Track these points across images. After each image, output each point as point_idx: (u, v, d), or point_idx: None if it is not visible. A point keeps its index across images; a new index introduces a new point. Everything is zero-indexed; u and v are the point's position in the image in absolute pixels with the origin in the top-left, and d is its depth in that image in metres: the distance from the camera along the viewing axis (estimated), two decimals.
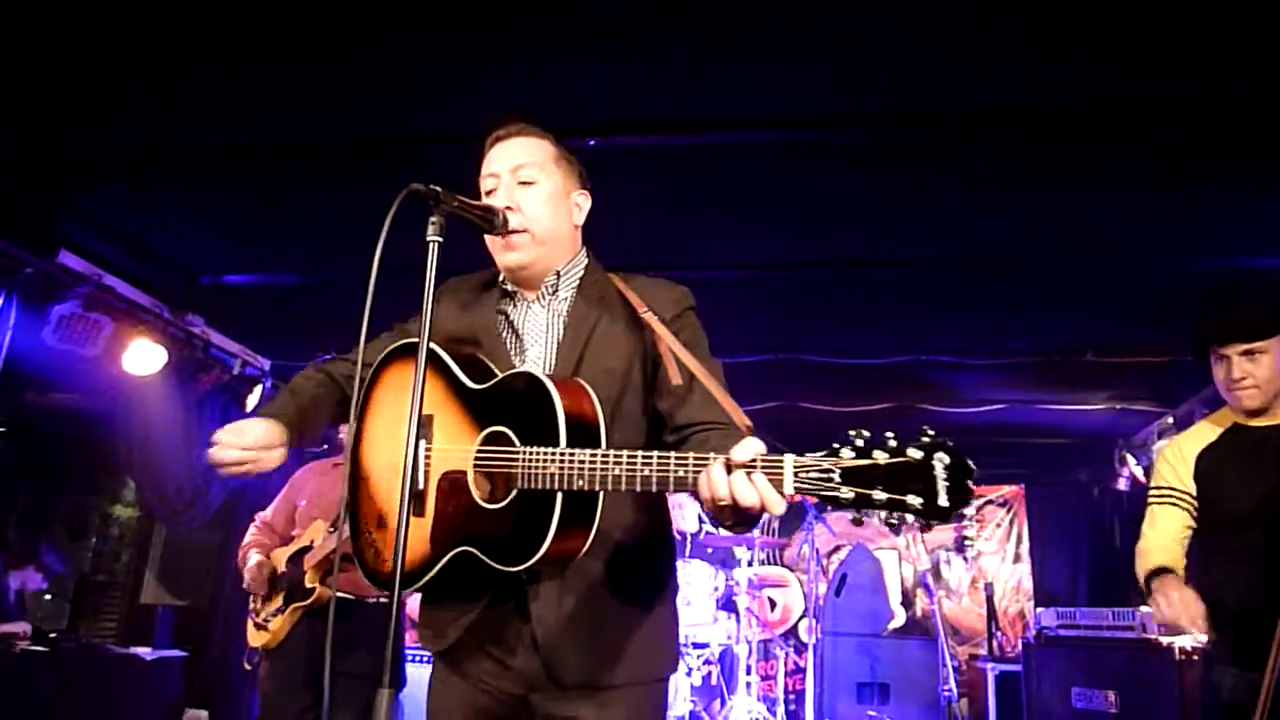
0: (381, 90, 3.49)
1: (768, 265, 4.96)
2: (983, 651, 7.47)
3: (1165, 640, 4.47)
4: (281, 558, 3.88)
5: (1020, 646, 5.57)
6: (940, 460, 1.34)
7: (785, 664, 7.24)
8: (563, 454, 1.61)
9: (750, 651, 6.43)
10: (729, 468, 1.43)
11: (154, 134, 3.83)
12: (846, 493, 1.35)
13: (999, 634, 7.92)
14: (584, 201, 2.06)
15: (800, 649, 7.57)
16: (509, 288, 2.00)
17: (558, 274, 1.99)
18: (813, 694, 6.54)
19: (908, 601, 8.43)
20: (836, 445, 1.39)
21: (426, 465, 1.81)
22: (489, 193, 1.95)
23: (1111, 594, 6.95)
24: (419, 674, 5.48)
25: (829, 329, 5.83)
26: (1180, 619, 2.58)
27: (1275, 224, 4.19)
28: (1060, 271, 4.85)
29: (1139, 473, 7.05)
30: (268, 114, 3.66)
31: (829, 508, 1.49)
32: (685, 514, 6.61)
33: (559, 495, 1.62)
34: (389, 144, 3.79)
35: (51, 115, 3.71)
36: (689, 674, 6.13)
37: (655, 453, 1.54)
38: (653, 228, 4.48)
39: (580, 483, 1.59)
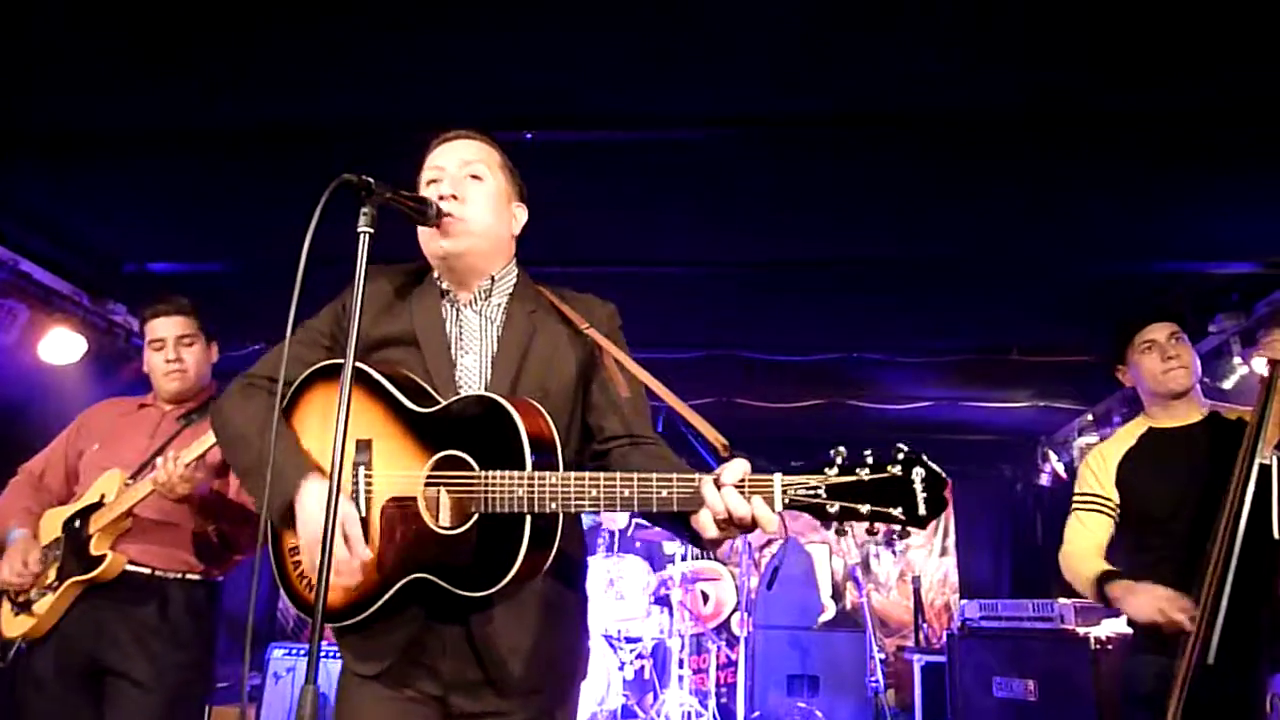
0: (314, 76, 3.42)
1: (704, 262, 4.99)
2: (910, 643, 7.62)
3: (1081, 631, 4.62)
4: (56, 520, 2.96)
5: (945, 638, 5.70)
6: (918, 474, 1.46)
7: (717, 657, 7.29)
8: (531, 477, 1.61)
9: (683, 645, 6.47)
10: (719, 487, 1.50)
11: (76, 113, 3.69)
12: (833, 507, 1.46)
13: (925, 626, 8.08)
14: (521, 214, 2.08)
15: (732, 642, 7.63)
16: (445, 286, 1.98)
17: (491, 278, 1.98)
18: (744, 687, 6.60)
19: (838, 594, 8.57)
20: (822, 461, 1.49)
21: (368, 492, 1.76)
22: (430, 182, 1.94)
23: (1032, 586, 7.16)
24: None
25: (763, 326, 5.89)
26: (1167, 610, 2.57)
27: (1196, 229, 4.37)
28: (988, 272, 4.99)
29: (1060, 468, 7.28)
30: (195, 97, 3.56)
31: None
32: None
33: (528, 518, 1.62)
34: (320, 131, 3.72)
35: None
36: (621, 668, 6.15)
37: (635, 474, 1.58)
38: (589, 223, 4.48)
39: (553, 505, 1.60)
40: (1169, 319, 2.97)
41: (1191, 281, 4.76)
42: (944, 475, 1.46)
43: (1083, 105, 3.46)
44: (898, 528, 1.45)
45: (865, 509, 1.45)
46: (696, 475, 1.54)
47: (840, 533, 1.48)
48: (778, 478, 1.50)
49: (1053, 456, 7.49)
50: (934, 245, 4.69)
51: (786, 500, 1.49)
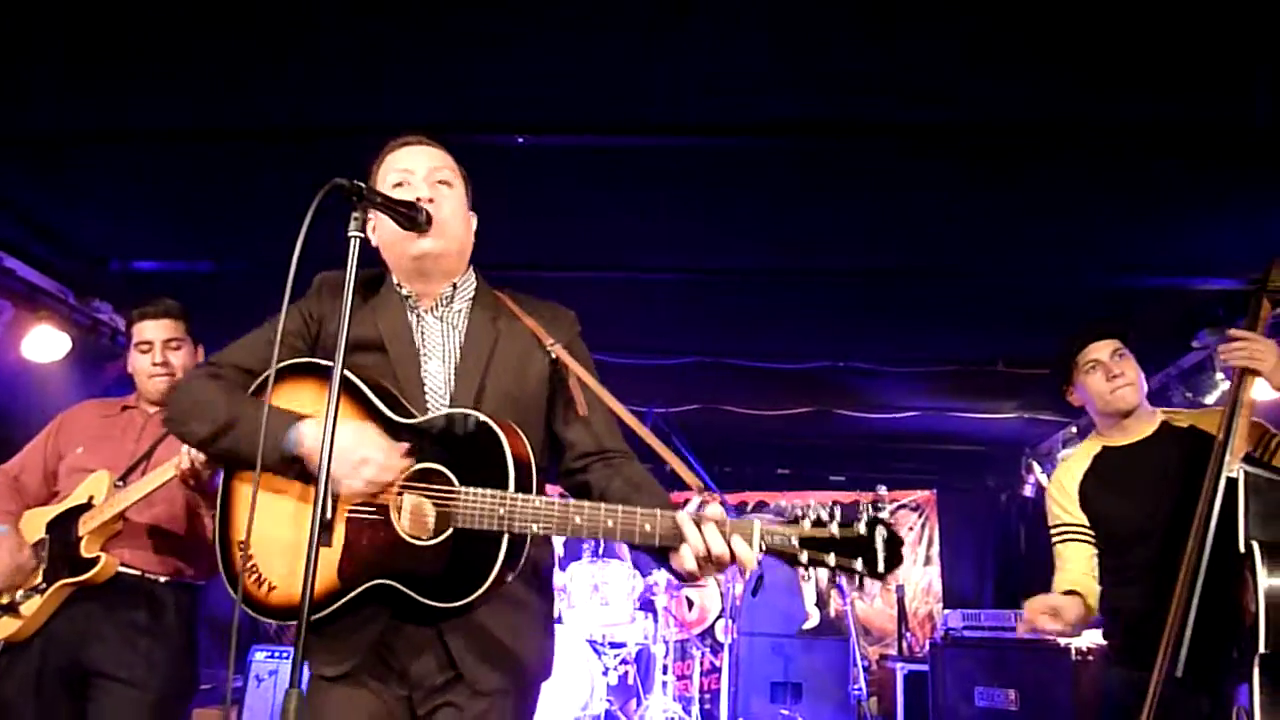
0: (304, 77, 3.41)
1: (693, 269, 5.00)
2: (893, 651, 7.64)
3: (1063, 642, 4.65)
4: (38, 522, 2.91)
5: (928, 647, 5.72)
6: (880, 534, 1.60)
7: (701, 663, 7.30)
8: (514, 498, 1.66)
9: (667, 651, 6.47)
10: (699, 523, 1.60)
11: (64, 110, 3.67)
12: (803, 556, 1.60)
13: (909, 634, 8.11)
14: (473, 222, 2.11)
15: (716, 649, 7.64)
16: (405, 292, 1.99)
17: (454, 285, 2.00)
18: (727, 693, 6.61)
19: (822, 602, 8.58)
20: (797, 516, 1.63)
21: (336, 494, 1.76)
22: (396, 186, 1.95)
23: (1015, 596, 7.19)
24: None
25: (751, 333, 5.90)
26: (1034, 617, 2.73)
27: (1180, 245, 4.40)
28: (975, 284, 5.01)
29: (1044, 480, 7.32)
30: (185, 96, 3.54)
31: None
32: None
33: (505, 536, 1.65)
34: (309, 132, 3.71)
35: None
36: (605, 673, 6.14)
37: (619, 506, 1.65)
38: (579, 227, 4.48)
39: (535, 527, 1.64)
40: (1111, 336, 2.94)
41: (1175, 297, 4.79)
42: (901, 536, 1.63)
43: (1070, 119, 3.48)
44: (856, 579, 1.61)
45: (831, 560, 1.59)
46: (678, 512, 1.62)
47: (805, 579, 1.61)
48: (756, 524, 1.61)
49: (1037, 468, 7.53)
50: (922, 256, 4.71)
51: (764, 546, 1.61)
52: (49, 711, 2.76)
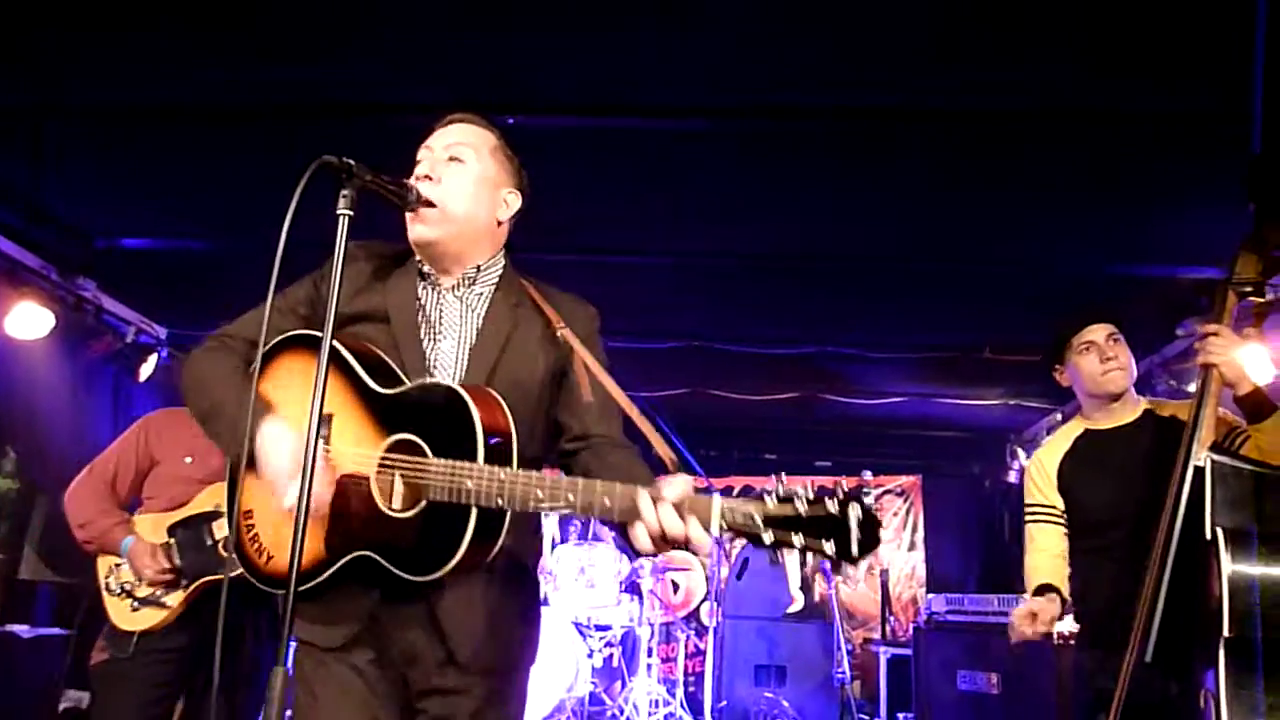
0: (298, 55, 3.39)
1: (681, 253, 4.99)
2: (876, 636, 7.70)
3: None
4: (159, 526, 3.20)
5: (911, 631, 5.77)
6: (854, 512, 1.43)
7: (686, 646, 7.34)
8: (481, 470, 1.62)
9: (652, 634, 6.50)
10: (656, 501, 1.51)
11: (50, 83, 3.63)
12: (767, 536, 1.45)
13: (892, 619, 8.17)
14: (513, 201, 2.04)
15: (701, 632, 7.68)
16: (425, 269, 1.97)
17: (477, 267, 1.97)
18: (712, 676, 6.65)
19: (806, 586, 8.63)
20: (761, 491, 1.48)
21: (325, 465, 1.77)
22: (419, 162, 1.93)
23: (998, 581, 7.25)
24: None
25: (739, 318, 5.91)
26: (1022, 628, 2.75)
27: (1166, 234, 4.42)
28: (962, 271, 5.03)
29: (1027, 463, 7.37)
30: (175, 72, 3.51)
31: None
32: None
33: (474, 510, 1.63)
34: (302, 111, 3.68)
35: None
36: (590, 656, 6.17)
37: (580, 479, 1.59)
38: (567, 210, 4.46)
39: (499, 501, 1.60)
40: (1107, 320, 2.98)
41: (1161, 285, 4.81)
42: (878, 516, 1.47)
43: (1059, 108, 3.49)
44: (828, 562, 1.45)
45: (799, 540, 1.44)
46: (638, 489, 1.54)
47: (774, 562, 1.48)
48: (716, 500, 1.50)
49: (1021, 454, 7.57)
50: (910, 243, 4.72)
51: (724, 524, 1.49)
52: (175, 688, 3.14)
